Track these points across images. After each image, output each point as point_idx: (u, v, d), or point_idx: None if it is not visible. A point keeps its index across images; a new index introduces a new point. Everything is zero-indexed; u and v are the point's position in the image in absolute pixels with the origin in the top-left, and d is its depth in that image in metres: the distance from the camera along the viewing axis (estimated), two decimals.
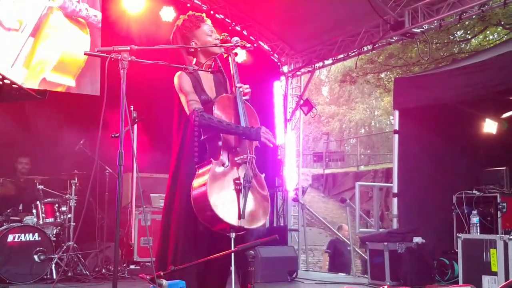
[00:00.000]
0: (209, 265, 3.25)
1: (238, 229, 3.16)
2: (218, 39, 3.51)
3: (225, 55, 3.53)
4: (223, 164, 3.23)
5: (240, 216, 3.14)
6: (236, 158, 3.26)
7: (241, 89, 3.41)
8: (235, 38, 3.53)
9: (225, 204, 3.15)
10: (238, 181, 3.21)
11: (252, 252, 2.91)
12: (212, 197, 3.11)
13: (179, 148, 3.39)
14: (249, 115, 3.41)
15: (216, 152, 3.27)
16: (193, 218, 3.21)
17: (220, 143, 3.28)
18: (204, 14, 3.62)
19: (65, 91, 7.96)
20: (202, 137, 3.32)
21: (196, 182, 3.20)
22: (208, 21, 3.57)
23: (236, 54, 3.54)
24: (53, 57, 7.84)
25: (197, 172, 3.25)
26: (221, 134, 3.27)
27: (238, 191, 3.19)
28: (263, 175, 3.41)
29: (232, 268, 3.08)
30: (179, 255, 3.24)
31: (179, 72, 3.42)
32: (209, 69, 3.43)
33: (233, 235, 3.13)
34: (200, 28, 3.51)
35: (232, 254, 3.05)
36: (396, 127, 7.01)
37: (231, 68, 3.47)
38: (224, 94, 3.46)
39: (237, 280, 3.13)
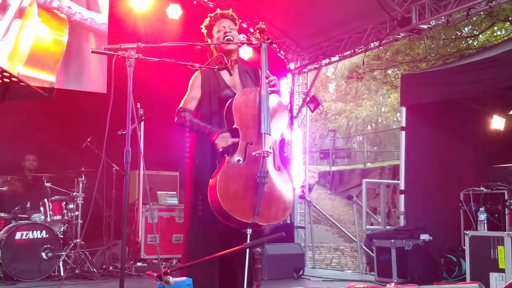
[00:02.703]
0: (223, 262, 3.24)
1: (254, 225, 3.12)
2: (228, 32, 3.54)
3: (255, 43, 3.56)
4: (238, 160, 3.22)
5: (254, 213, 3.12)
6: (253, 153, 3.25)
7: (267, 81, 3.40)
8: (242, 35, 3.54)
9: (237, 200, 3.13)
10: (253, 177, 3.18)
11: (259, 249, 2.90)
12: (221, 194, 3.10)
13: (186, 150, 3.43)
14: (274, 108, 3.42)
15: (233, 147, 3.28)
16: (209, 216, 3.21)
17: (237, 138, 3.28)
18: (228, 10, 3.71)
19: (47, 86, 7.56)
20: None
21: (211, 179, 3.20)
22: (227, 19, 3.63)
23: (269, 43, 3.59)
24: (25, 50, 7.55)
25: (216, 169, 3.26)
26: (238, 130, 3.28)
27: (253, 187, 3.17)
28: (287, 169, 3.39)
29: (246, 265, 3.06)
30: (193, 254, 3.24)
31: (196, 71, 3.49)
32: (215, 67, 3.43)
33: (249, 231, 3.10)
34: (214, 27, 3.60)
35: (247, 250, 3.02)
36: (403, 124, 6.99)
37: (261, 60, 3.48)
38: (247, 87, 3.46)
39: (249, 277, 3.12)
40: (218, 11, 3.71)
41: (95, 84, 8.14)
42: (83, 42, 8.07)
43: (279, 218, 3.28)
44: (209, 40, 3.62)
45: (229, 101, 3.36)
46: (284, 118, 3.51)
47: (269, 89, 3.41)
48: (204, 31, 3.67)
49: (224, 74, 3.50)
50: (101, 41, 8.15)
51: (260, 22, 3.65)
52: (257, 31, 3.60)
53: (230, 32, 3.55)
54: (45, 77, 7.68)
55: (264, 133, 3.28)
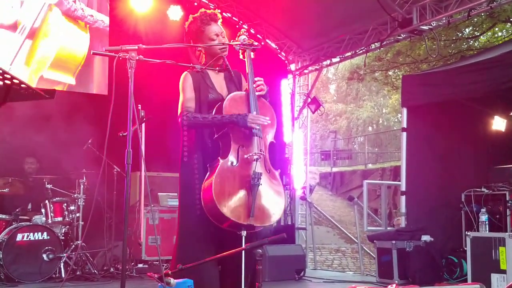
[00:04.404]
0: (222, 263, 3.24)
1: (249, 227, 3.14)
2: (225, 43, 3.49)
3: (240, 52, 3.52)
4: (231, 163, 3.23)
5: (249, 214, 3.13)
6: (245, 156, 3.25)
7: (254, 85, 3.40)
8: (242, 37, 3.53)
9: (232, 202, 3.14)
10: (247, 179, 3.20)
11: (260, 250, 2.90)
12: (217, 196, 3.10)
13: (184, 148, 3.40)
14: (262, 111, 3.40)
15: (226, 150, 3.28)
16: (204, 217, 3.21)
17: (230, 141, 3.27)
18: (214, 10, 3.61)
19: (66, 89, 7.90)
20: (215, 136, 3.33)
21: (205, 182, 3.21)
22: (215, 23, 3.53)
23: (253, 50, 3.52)
24: (50, 53, 7.81)
25: (208, 172, 3.25)
26: (229, 133, 3.27)
27: (247, 189, 3.18)
28: (277, 172, 3.39)
29: (243, 266, 3.07)
30: (187, 254, 3.24)
31: (184, 73, 3.44)
32: (216, 69, 3.42)
33: (244, 233, 3.11)
34: (204, 33, 3.49)
35: (243, 252, 3.03)
36: (404, 125, 6.98)
37: (247, 66, 3.47)
38: (235, 91, 3.45)
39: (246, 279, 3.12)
40: (202, 10, 3.59)
41: (96, 85, 8.18)
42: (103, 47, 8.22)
43: (272, 220, 3.29)
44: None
45: (217, 105, 3.34)
46: (273, 120, 3.49)
47: (256, 93, 3.40)
48: (189, 34, 3.56)
49: (212, 75, 3.48)
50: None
51: (242, 29, 3.62)
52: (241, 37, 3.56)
53: (224, 41, 3.51)
54: (65, 79, 7.98)
55: (255, 136, 3.30)
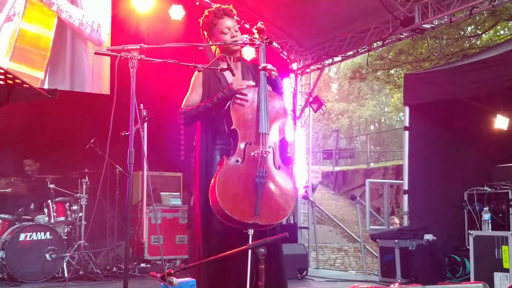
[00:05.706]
0: (226, 262, 3.24)
1: (255, 225, 3.12)
2: (234, 36, 3.49)
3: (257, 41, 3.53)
4: (237, 160, 3.22)
5: (254, 213, 3.11)
6: (252, 153, 3.24)
7: (264, 72, 3.40)
8: (244, 36, 3.53)
9: (237, 200, 3.13)
10: (252, 177, 3.18)
11: (262, 250, 2.89)
12: (220, 195, 3.10)
13: (181, 147, 3.45)
14: (273, 103, 3.40)
15: (232, 148, 3.29)
16: (210, 215, 3.21)
17: (237, 139, 3.27)
18: (229, 6, 3.62)
19: (39, 84, 7.41)
20: (226, 132, 3.36)
21: (212, 181, 3.21)
22: (228, 17, 3.54)
23: (268, 43, 3.56)
24: (10, 44, 7.33)
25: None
26: (237, 130, 3.27)
27: (253, 187, 3.16)
28: (290, 168, 3.38)
29: (249, 265, 3.06)
30: (198, 253, 3.26)
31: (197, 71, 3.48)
32: (218, 68, 3.42)
33: (251, 231, 3.10)
34: (216, 26, 3.51)
35: (249, 251, 3.02)
36: (406, 124, 6.97)
37: (259, 60, 3.47)
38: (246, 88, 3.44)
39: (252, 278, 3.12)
40: (217, 5, 3.61)
41: (98, 85, 8.14)
42: (75, 40, 7.93)
43: (280, 218, 3.26)
44: (208, 38, 3.58)
45: (228, 103, 3.35)
46: (284, 116, 3.47)
47: (265, 72, 3.41)
48: (203, 27, 3.59)
49: (227, 72, 3.50)
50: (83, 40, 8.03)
51: (259, 22, 3.63)
52: (256, 31, 3.58)
53: (236, 35, 3.52)
54: (34, 74, 7.50)
55: (263, 133, 3.27)
